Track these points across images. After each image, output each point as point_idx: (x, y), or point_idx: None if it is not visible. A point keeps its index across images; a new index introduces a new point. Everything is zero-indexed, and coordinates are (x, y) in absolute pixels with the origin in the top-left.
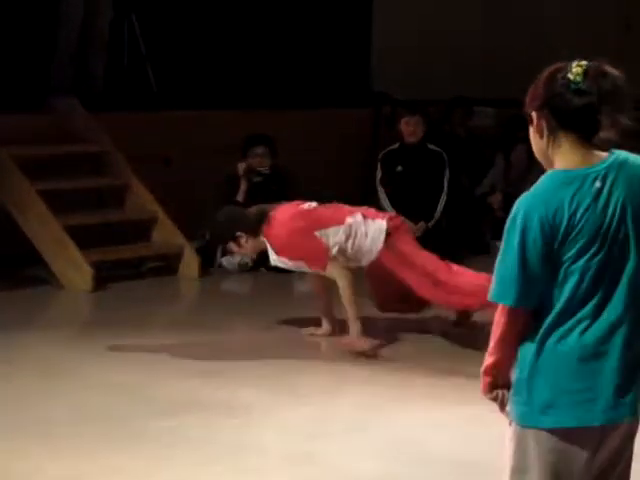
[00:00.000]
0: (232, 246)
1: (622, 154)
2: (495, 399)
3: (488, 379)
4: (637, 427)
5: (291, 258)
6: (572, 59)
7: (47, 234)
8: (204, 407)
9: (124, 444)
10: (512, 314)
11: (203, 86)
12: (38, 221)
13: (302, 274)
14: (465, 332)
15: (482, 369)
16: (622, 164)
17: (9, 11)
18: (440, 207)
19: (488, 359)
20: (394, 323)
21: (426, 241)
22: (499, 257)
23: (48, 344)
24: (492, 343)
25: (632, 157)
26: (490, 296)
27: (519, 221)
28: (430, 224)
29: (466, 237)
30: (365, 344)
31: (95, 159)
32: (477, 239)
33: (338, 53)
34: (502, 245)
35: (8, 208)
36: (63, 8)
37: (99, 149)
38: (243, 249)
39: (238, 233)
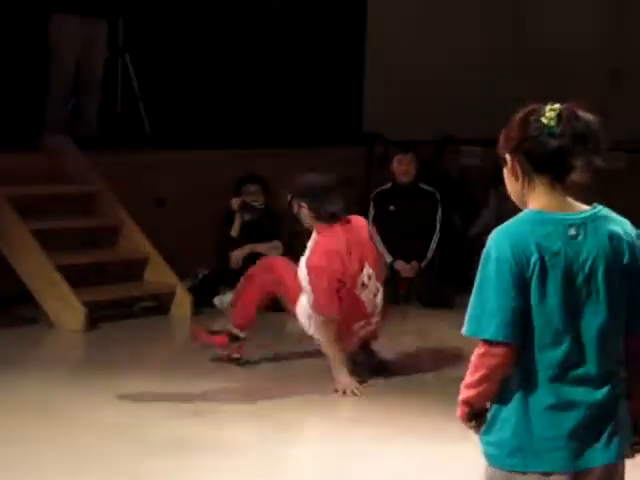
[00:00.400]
0: (294, 206)
1: (604, 210)
2: (473, 428)
3: (467, 409)
4: (616, 470)
5: (310, 282)
6: (545, 101)
7: (40, 273)
8: (199, 448)
9: None
10: (492, 348)
11: (196, 126)
12: (31, 260)
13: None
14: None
15: (461, 398)
16: (603, 219)
17: (2, 50)
18: (433, 246)
19: (468, 392)
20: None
21: (419, 281)
22: (474, 293)
23: (40, 383)
24: (472, 377)
25: (614, 215)
26: (466, 331)
27: (493, 253)
28: (423, 264)
29: (459, 277)
30: (351, 385)
31: (88, 199)
32: (470, 279)
33: (331, 94)
34: (477, 281)
35: (0, 247)
36: (56, 47)
37: (92, 189)
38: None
39: (308, 203)
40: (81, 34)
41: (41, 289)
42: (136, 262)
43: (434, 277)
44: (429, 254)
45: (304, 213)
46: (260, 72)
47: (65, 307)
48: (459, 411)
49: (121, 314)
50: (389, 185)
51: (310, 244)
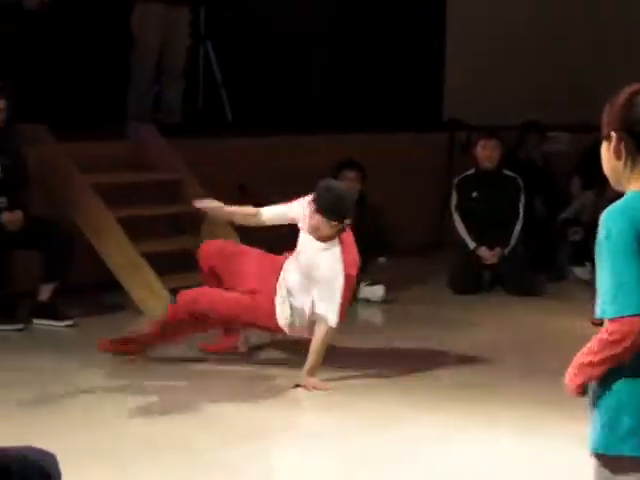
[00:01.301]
0: (311, 215)
1: None
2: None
3: (581, 390)
4: None
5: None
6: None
7: (125, 260)
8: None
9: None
10: (633, 324)
11: (278, 112)
12: (116, 248)
13: None
14: None
15: (582, 379)
16: None
17: (86, 40)
18: (516, 233)
19: (592, 370)
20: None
21: (502, 267)
22: (602, 275)
23: (129, 369)
24: (599, 356)
25: None
26: (606, 314)
27: (614, 231)
28: (506, 250)
29: (543, 263)
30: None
31: (172, 186)
32: (554, 265)
33: (412, 80)
34: (601, 263)
35: (87, 235)
36: (139, 35)
37: (176, 176)
38: (316, 225)
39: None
40: (164, 21)
41: (127, 276)
42: None
43: (517, 264)
44: (512, 241)
45: (328, 224)
46: (342, 58)
47: (151, 294)
48: (572, 385)
49: None
50: (472, 171)
51: (330, 253)
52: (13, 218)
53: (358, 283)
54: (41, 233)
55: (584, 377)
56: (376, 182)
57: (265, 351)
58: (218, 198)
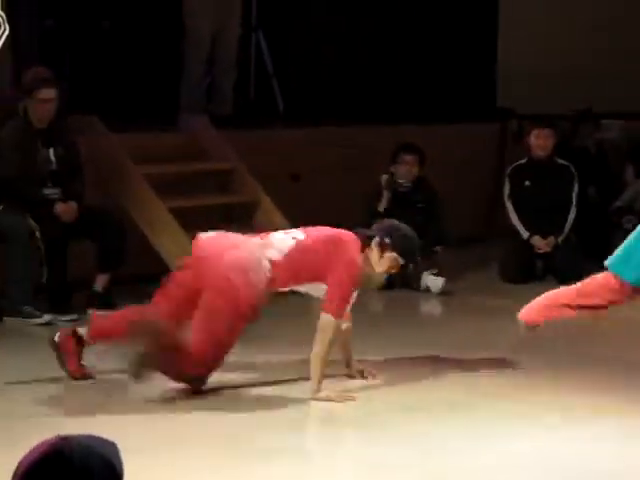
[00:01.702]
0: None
1: None
2: None
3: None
4: None
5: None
6: None
7: (178, 251)
8: None
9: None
10: None
11: (330, 102)
12: (169, 238)
13: None
14: None
15: None
16: None
17: (139, 31)
18: (570, 222)
19: None
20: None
21: (556, 256)
22: None
23: None
24: None
25: None
26: None
27: None
28: (560, 239)
29: (596, 252)
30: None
31: (224, 176)
32: (607, 254)
33: (464, 69)
34: None
35: (140, 226)
36: (191, 26)
37: (228, 166)
38: (377, 259)
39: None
40: (215, 11)
41: None
42: None
43: (571, 252)
44: (566, 229)
45: (386, 256)
46: (393, 48)
47: None
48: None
49: None
50: (525, 160)
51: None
52: (67, 209)
53: (420, 272)
54: (95, 224)
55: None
56: (428, 172)
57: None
58: (269, 188)
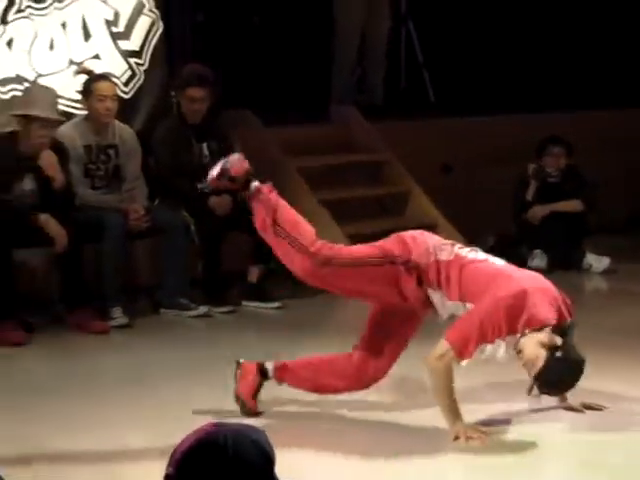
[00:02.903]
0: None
1: None
2: None
3: None
4: None
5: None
6: None
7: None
8: None
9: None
10: None
11: (481, 92)
12: (321, 230)
13: None
14: None
15: None
16: None
17: (290, 25)
18: None
19: None
20: None
21: None
22: None
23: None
24: None
25: None
26: None
27: None
28: None
29: None
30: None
31: (376, 168)
32: None
33: (615, 55)
34: None
35: None
36: (341, 18)
37: (380, 158)
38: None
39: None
40: (365, 3)
41: None
42: (425, 229)
43: None
44: None
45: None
46: (541, 35)
47: None
48: None
49: None
50: None
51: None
52: (221, 203)
53: (584, 252)
54: (249, 216)
55: None
56: (581, 160)
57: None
58: (421, 179)
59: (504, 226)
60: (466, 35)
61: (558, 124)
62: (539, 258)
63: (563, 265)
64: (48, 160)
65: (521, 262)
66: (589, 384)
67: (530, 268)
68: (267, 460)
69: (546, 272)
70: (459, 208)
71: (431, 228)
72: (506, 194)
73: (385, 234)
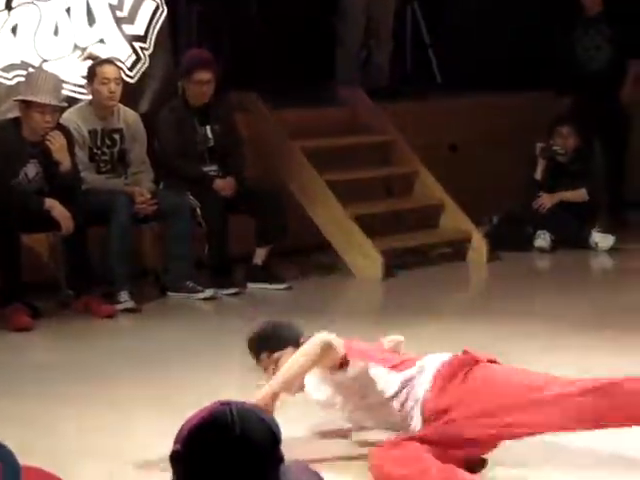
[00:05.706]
0: None
1: None
2: None
3: None
4: None
5: None
6: None
7: (336, 223)
8: None
9: None
10: None
11: (486, 71)
12: (328, 211)
13: None
14: None
15: None
16: None
17: (294, 6)
18: None
19: None
20: None
21: None
22: None
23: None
24: None
25: None
26: None
27: None
28: None
29: None
30: None
31: (382, 149)
32: None
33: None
34: None
35: (299, 199)
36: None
37: (386, 138)
38: None
39: None
40: None
41: (339, 239)
42: (431, 209)
43: None
44: None
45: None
46: (549, 15)
47: (363, 256)
48: None
49: (417, 261)
50: None
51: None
52: (226, 185)
53: (590, 230)
54: (254, 199)
55: None
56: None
57: None
58: (428, 159)
59: (509, 206)
60: (470, 15)
61: (567, 103)
62: (542, 239)
63: (569, 243)
64: (58, 142)
65: (526, 242)
66: (609, 361)
67: (534, 248)
68: (274, 438)
69: (549, 252)
70: (465, 188)
71: (438, 209)
72: (512, 174)
73: (392, 214)
